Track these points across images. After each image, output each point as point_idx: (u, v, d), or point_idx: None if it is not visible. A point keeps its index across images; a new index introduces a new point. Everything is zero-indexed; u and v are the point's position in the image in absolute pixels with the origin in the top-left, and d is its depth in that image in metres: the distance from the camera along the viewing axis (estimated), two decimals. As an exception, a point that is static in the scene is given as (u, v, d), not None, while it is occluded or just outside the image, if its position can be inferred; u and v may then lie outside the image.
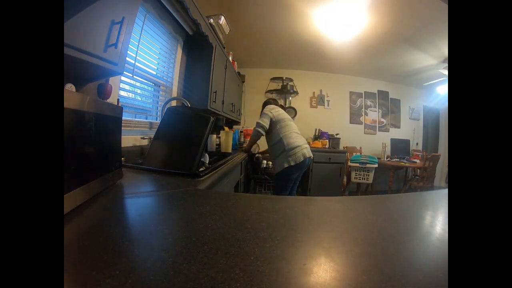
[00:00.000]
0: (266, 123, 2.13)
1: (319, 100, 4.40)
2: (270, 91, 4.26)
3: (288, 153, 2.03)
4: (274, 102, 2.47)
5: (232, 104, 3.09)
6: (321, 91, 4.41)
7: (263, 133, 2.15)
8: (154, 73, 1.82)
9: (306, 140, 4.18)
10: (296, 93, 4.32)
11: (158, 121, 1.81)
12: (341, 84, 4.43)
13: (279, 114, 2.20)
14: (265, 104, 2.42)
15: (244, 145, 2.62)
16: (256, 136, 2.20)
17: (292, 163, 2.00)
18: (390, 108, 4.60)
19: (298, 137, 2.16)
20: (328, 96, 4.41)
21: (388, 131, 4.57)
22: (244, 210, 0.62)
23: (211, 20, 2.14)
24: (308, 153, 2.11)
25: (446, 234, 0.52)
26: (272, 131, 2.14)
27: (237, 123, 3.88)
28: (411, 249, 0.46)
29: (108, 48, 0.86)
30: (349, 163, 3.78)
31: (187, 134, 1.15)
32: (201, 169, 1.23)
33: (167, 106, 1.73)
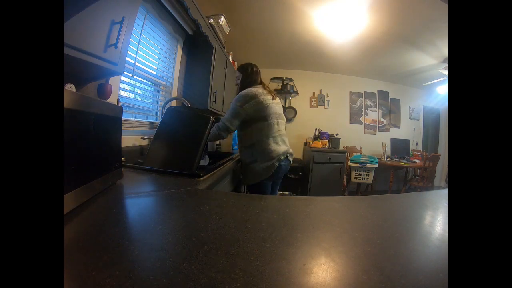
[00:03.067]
0: (234, 124, 1.46)
1: (319, 100, 4.40)
2: (270, 91, 4.26)
3: (263, 164, 1.46)
4: (256, 75, 1.57)
5: (232, 104, 3.08)
6: (321, 91, 4.41)
7: (225, 137, 1.51)
8: (154, 73, 1.82)
9: (306, 140, 4.23)
10: (296, 93, 4.32)
11: (158, 121, 1.81)
12: (341, 84, 4.43)
13: (261, 107, 1.46)
14: (245, 78, 1.56)
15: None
16: (214, 137, 1.51)
17: (264, 177, 1.48)
18: (390, 108, 4.60)
19: (281, 142, 1.54)
20: (328, 96, 4.41)
21: (388, 131, 4.57)
22: (244, 210, 0.62)
23: (211, 20, 2.14)
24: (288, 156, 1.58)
25: (446, 234, 0.52)
26: (246, 129, 1.50)
27: (237, 123, 3.87)
28: (411, 249, 0.46)
29: (108, 48, 0.86)
30: (349, 163, 3.78)
31: (187, 134, 1.15)
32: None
33: (167, 106, 1.73)
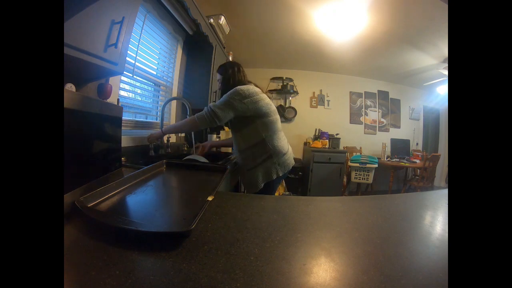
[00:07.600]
0: (225, 114, 1.25)
1: (319, 100, 4.40)
2: (270, 91, 4.26)
3: (277, 159, 1.35)
4: (239, 74, 1.43)
5: (232, 104, 3.08)
6: (321, 91, 4.41)
7: (212, 124, 1.28)
8: (154, 73, 1.82)
9: (306, 140, 4.23)
10: (296, 93, 4.32)
11: (158, 121, 1.81)
12: (341, 84, 4.43)
13: (264, 102, 1.34)
14: (228, 80, 1.40)
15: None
16: (192, 127, 1.37)
17: (281, 173, 1.37)
18: (390, 108, 4.60)
19: (285, 138, 1.48)
20: (328, 96, 4.41)
21: (388, 131, 4.57)
22: (244, 210, 0.62)
23: (211, 20, 2.14)
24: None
25: (446, 234, 0.52)
26: (249, 126, 1.33)
27: (237, 123, 3.88)
28: (411, 249, 0.46)
29: (108, 48, 0.86)
30: (349, 163, 3.77)
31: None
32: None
33: (167, 106, 1.73)
